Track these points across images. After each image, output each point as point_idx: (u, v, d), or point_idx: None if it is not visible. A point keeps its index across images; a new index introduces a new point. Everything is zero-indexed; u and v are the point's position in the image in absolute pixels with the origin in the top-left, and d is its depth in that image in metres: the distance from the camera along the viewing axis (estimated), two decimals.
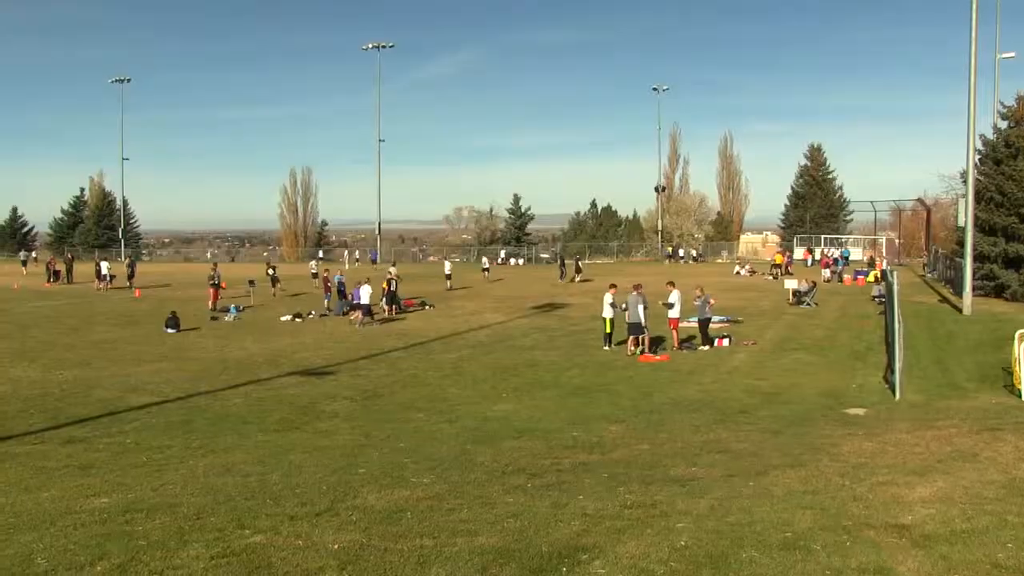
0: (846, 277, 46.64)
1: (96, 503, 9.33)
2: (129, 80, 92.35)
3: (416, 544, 6.86)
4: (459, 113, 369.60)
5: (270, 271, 42.71)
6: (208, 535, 7.20)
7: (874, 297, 34.35)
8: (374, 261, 74.38)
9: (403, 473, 10.39)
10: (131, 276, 46.56)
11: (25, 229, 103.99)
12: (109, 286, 45.17)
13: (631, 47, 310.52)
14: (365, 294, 30.23)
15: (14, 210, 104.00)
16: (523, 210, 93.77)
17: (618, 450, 12.18)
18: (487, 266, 47.25)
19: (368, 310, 30.39)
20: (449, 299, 39.38)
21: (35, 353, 23.86)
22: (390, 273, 35.64)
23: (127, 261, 54.21)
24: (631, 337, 23.00)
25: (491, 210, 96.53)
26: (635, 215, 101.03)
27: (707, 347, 23.64)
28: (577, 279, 47.86)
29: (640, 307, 22.68)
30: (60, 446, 13.74)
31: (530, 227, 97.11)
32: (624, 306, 23.29)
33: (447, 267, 46.88)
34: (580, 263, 52.02)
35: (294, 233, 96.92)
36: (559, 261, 55.77)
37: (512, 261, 75.59)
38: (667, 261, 72.72)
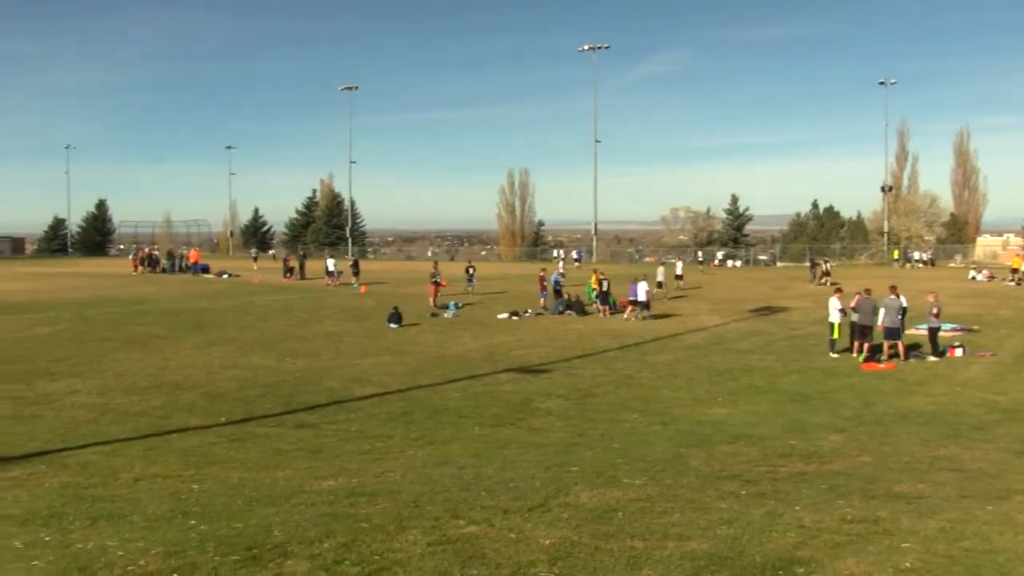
0: None
1: (324, 485, 9.90)
2: (356, 87, 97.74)
3: (627, 545, 6.82)
4: (675, 113, 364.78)
5: (469, 270, 43.69)
6: (425, 522, 7.46)
7: None
8: (578, 260, 74.51)
9: (615, 473, 10.36)
10: (356, 273, 49.07)
11: (264, 228, 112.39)
12: (337, 282, 47.77)
13: (854, 40, 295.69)
14: (642, 290, 31.35)
15: (255, 211, 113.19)
16: (741, 210, 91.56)
17: (838, 461, 11.63)
18: (680, 272, 44.74)
19: (646, 304, 31.36)
20: (663, 300, 39.00)
21: (272, 343, 25.59)
22: (600, 273, 35.69)
23: (352, 259, 57.03)
24: (885, 342, 22.28)
25: (708, 211, 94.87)
26: (859, 216, 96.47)
27: (936, 358, 22.15)
28: (827, 282, 45.50)
29: (896, 311, 22.08)
30: (293, 430, 14.69)
31: (748, 228, 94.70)
32: (856, 310, 22.47)
33: (679, 267, 45.56)
34: (828, 266, 49.85)
35: (511, 232, 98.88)
36: (810, 263, 53.82)
37: (729, 263, 73.93)
38: (906, 265, 68.50)
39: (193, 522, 7.71)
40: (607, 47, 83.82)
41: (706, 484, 9.71)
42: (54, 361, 22.05)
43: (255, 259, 69.95)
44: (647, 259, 72.68)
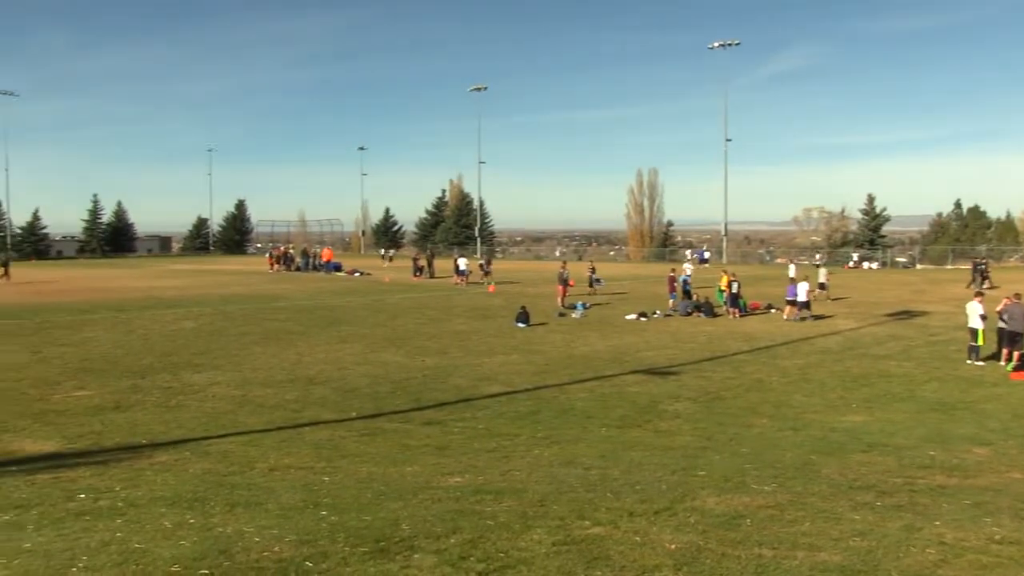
0: None
1: (451, 481, 10.04)
2: (486, 88, 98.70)
3: (754, 553, 6.66)
4: (808, 109, 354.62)
5: (590, 271, 43.43)
6: (550, 522, 7.46)
7: None
8: (702, 261, 73.06)
9: (744, 479, 10.15)
10: (486, 272, 49.73)
11: (395, 228, 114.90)
12: (466, 281, 48.39)
13: (1003, 29, 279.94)
14: (802, 290, 31.58)
15: (386, 211, 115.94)
16: (878, 211, 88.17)
17: (983, 476, 11.06)
18: (824, 280, 42.59)
19: (807, 304, 31.51)
20: (824, 302, 37.89)
21: (402, 340, 26.11)
22: (731, 274, 35.01)
23: (482, 259, 57.65)
24: (1004, 349, 21.05)
25: (842, 211, 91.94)
26: (1008, 216, 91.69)
27: None
28: (985, 286, 42.96)
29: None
30: (421, 426, 14.96)
31: (884, 229, 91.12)
32: (1005, 316, 21.36)
33: (822, 274, 43.43)
34: (987, 270, 47.25)
35: (640, 233, 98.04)
36: (972, 266, 51.16)
37: (865, 264, 71.36)
38: None
39: (324, 513, 7.93)
40: (737, 44, 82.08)
41: (838, 493, 9.39)
42: (197, 354, 23.12)
43: (390, 259, 71.83)
44: (778, 260, 70.73)
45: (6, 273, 53.32)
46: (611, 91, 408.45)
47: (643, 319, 32.06)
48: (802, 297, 31.47)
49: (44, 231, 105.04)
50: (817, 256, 76.84)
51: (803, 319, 30.88)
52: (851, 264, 70.37)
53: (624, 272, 60.65)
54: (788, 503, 8.67)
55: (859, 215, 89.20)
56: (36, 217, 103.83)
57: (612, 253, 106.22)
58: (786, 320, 31.42)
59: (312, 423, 15.26)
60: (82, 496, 9.49)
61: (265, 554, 6.31)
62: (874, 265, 72.06)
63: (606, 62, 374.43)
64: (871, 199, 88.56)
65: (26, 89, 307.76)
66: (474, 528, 7.16)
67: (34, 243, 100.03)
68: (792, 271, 42.51)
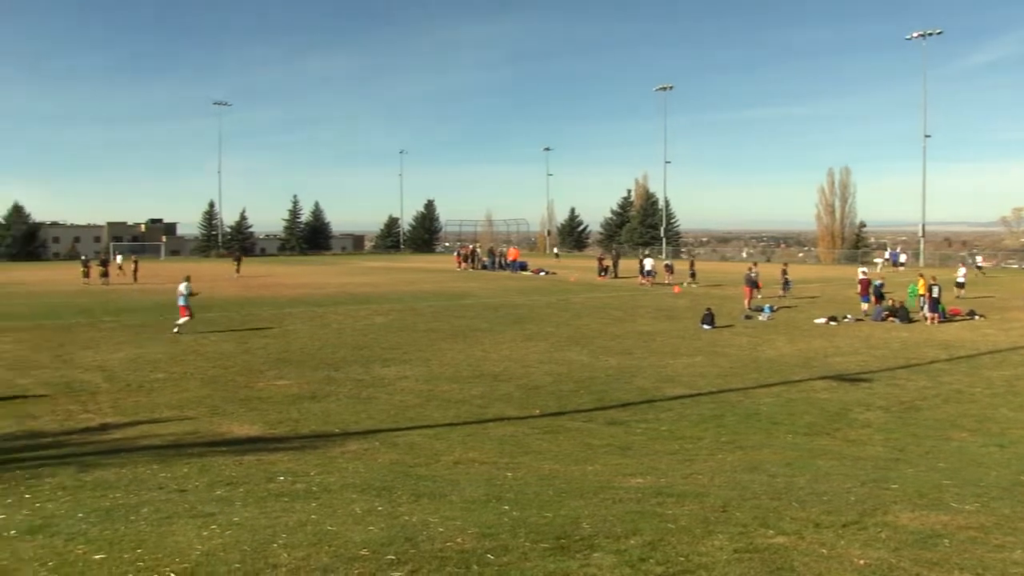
0: None
1: (632, 482, 10.01)
2: (672, 88, 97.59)
3: None
4: (1018, 102, 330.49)
5: (783, 272, 42.02)
6: (732, 528, 7.31)
7: None
8: (895, 264, 69.21)
9: (941, 495, 9.59)
10: (693, 274, 49.50)
11: (580, 228, 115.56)
12: (652, 281, 48.07)
13: None
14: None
15: (572, 210, 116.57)
16: None
17: None
18: (961, 279, 38.29)
19: None
20: (1007, 309, 35.56)
21: (586, 340, 26.21)
22: (930, 278, 33.14)
23: (690, 260, 57.03)
24: None
25: None
26: None
27: None
28: None
29: None
30: (604, 426, 14.99)
31: None
32: None
33: (960, 273, 40.90)
34: None
35: (830, 234, 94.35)
36: None
37: None
38: None
39: (506, 507, 8.08)
40: (939, 33, 77.40)
41: None
42: (387, 348, 24.03)
43: (557, 256, 72.75)
44: (981, 264, 66.15)
45: (238, 268, 58.21)
46: (801, 87, 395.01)
47: (833, 323, 30.88)
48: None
49: (250, 230, 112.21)
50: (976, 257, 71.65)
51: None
52: None
53: (814, 274, 58.57)
54: (993, 525, 8.12)
55: None
56: (243, 217, 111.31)
57: (801, 255, 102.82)
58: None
59: (496, 419, 15.57)
60: (281, 478, 10.11)
61: (448, 544, 6.50)
62: None
63: (796, 57, 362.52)
64: None
65: (236, 98, 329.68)
66: (654, 530, 7.11)
67: (241, 241, 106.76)
68: (961, 274, 40.09)
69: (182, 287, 28.32)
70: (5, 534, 7.21)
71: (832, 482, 10.29)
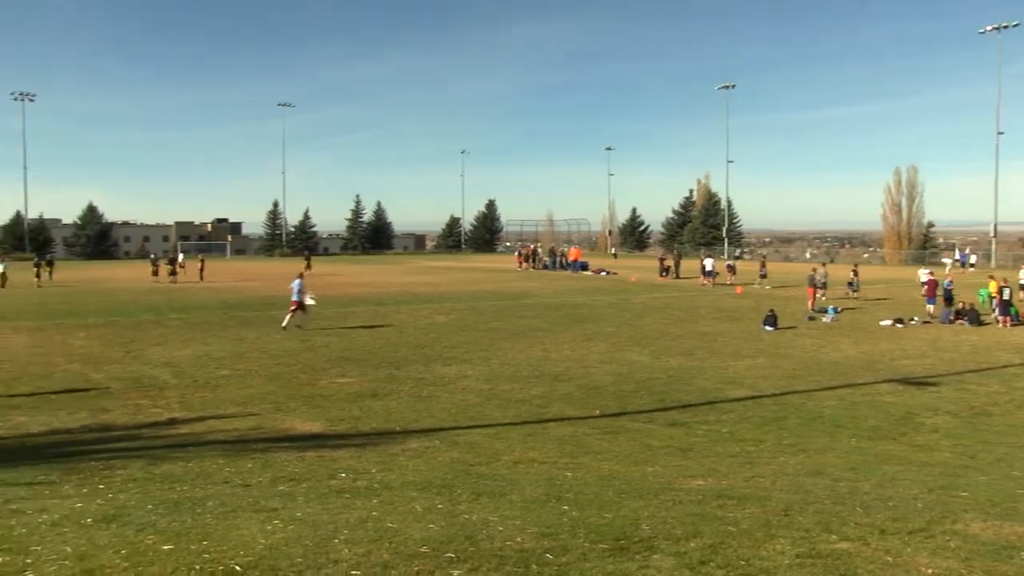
0: None
1: (693, 484, 9.93)
2: (734, 86, 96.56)
3: None
4: None
5: (853, 273, 41.24)
6: (795, 533, 7.21)
7: None
8: (964, 265, 67.40)
9: (1016, 505, 9.34)
10: (732, 272, 49.31)
11: (641, 228, 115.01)
12: (713, 282, 47.68)
13: None
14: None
15: (633, 210, 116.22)
16: None
17: None
18: None
19: None
20: None
21: (647, 340, 26.07)
22: (1002, 280, 32.29)
23: (762, 261, 56.40)
24: None
25: None
26: None
27: None
28: None
29: None
30: (664, 427, 14.90)
31: None
32: None
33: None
34: None
35: (897, 234, 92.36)
36: None
37: None
38: None
39: (566, 507, 8.07)
40: (1015, 25, 75.05)
41: None
42: (448, 347, 24.17)
43: (615, 255, 72.51)
44: None
45: (309, 267, 59.49)
46: (866, 85, 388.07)
47: (899, 325, 30.27)
48: None
49: (313, 229, 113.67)
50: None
51: None
52: None
53: (879, 275, 57.45)
54: None
55: None
56: (306, 216, 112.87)
57: (866, 255, 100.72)
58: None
59: (556, 419, 15.57)
60: (343, 475, 10.24)
61: (507, 543, 6.51)
62: None
63: (861, 55, 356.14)
64: None
65: (300, 99, 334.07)
66: (715, 533, 7.05)
67: (304, 240, 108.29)
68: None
69: (296, 284, 29.21)
70: (83, 521, 7.46)
71: (898, 488, 10.09)
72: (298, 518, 7.35)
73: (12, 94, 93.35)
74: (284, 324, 28.25)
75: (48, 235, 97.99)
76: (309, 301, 29.20)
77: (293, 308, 28.58)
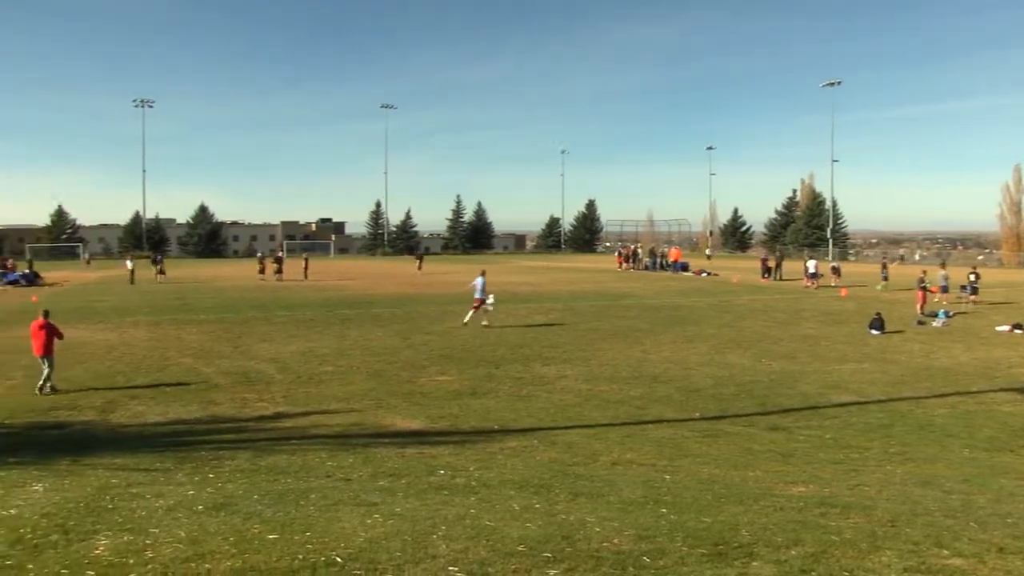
0: None
1: (794, 491, 9.72)
2: (840, 83, 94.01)
3: None
4: None
5: (973, 275, 39.63)
6: (902, 545, 6.98)
7: None
8: None
9: None
10: (837, 274, 48.13)
11: (743, 228, 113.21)
12: (817, 284, 46.59)
13: None
14: None
15: (735, 211, 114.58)
16: None
17: None
18: None
19: None
20: None
21: (748, 343, 25.61)
22: None
23: (882, 263, 54.91)
24: None
25: None
26: None
27: None
28: None
29: None
30: (765, 431, 14.61)
31: None
32: None
33: None
34: None
35: (1015, 235, 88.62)
36: None
37: None
38: None
39: (664, 510, 8.00)
40: None
41: None
42: (547, 347, 24.20)
43: (708, 256, 71.43)
44: None
45: (420, 266, 61.13)
46: (980, 79, 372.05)
47: (1018, 331, 28.98)
48: None
49: (414, 229, 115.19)
50: None
51: None
52: None
53: (996, 278, 55.23)
54: None
55: None
56: (408, 216, 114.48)
57: (981, 257, 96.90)
58: None
59: (655, 421, 15.43)
60: (441, 472, 10.36)
61: (604, 544, 6.49)
62: None
63: (973, 48, 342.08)
64: None
65: (402, 101, 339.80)
66: (817, 542, 6.88)
67: (406, 240, 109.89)
68: None
69: (478, 281, 30.04)
70: (195, 508, 7.76)
71: (1017, 503, 9.68)
72: (397, 513, 7.47)
73: (133, 101, 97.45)
74: (466, 320, 29.15)
75: (164, 234, 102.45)
76: (489, 301, 29.76)
77: (476, 305, 29.44)
